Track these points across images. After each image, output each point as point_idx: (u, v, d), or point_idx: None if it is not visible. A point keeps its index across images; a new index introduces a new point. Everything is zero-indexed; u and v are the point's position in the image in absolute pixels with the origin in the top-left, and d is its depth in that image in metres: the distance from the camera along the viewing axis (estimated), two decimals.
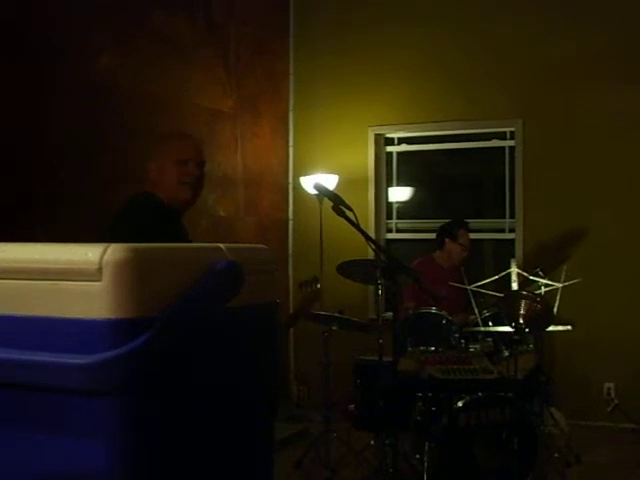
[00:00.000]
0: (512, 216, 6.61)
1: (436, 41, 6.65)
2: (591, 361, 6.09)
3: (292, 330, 7.02)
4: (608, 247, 6.12)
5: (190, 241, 2.92)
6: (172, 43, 5.62)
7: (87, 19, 4.80)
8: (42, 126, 4.45)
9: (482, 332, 4.82)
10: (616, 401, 6.04)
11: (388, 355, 4.15)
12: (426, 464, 4.16)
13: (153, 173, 2.97)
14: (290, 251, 7.14)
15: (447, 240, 5.70)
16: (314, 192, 4.44)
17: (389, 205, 7.11)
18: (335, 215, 3.55)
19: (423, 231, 6.88)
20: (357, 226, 3.53)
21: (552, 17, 6.34)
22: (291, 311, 4.79)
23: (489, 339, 4.79)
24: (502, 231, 6.73)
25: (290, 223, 7.16)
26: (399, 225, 7.10)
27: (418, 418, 4.40)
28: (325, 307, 5.40)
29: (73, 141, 4.62)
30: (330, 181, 6.32)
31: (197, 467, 1.68)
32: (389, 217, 7.10)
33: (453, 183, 7.23)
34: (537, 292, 4.82)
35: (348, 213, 3.51)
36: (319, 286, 3.49)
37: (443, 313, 4.87)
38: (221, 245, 1.78)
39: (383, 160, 7.05)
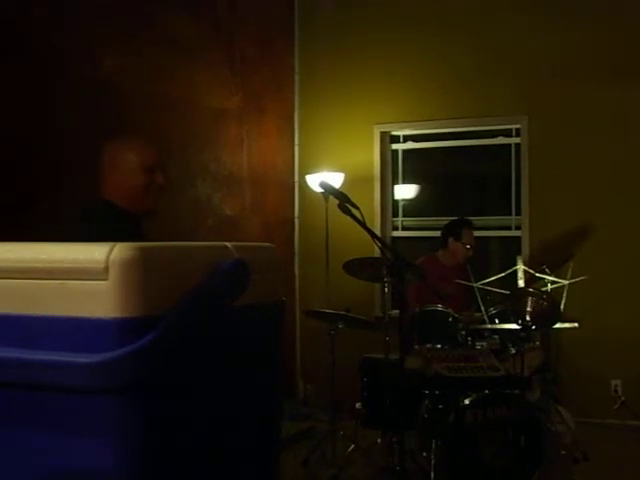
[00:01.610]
0: (518, 213, 6.60)
1: (441, 39, 6.64)
2: (598, 358, 6.08)
3: (298, 328, 7.04)
4: (615, 244, 6.11)
5: None
6: (177, 43, 5.62)
7: (90, 19, 4.80)
8: (43, 126, 4.45)
9: (488, 329, 4.82)
10: (623, 398, 6.02)
11: (394, 353, 4.15)
12: (433, 462, 4.16)
13: (115, 178, 2.80)
14: (296, 249, 7.14)
15: (451, 239, 5.68)
16: (320, 190, 4.44)
17: (395, 203, 7.11)
18: (341, 213, 3.55)
19: (429, 229, 6.87)
20: (363, 224, 3.53)
21: (558, 14, 6.32)
22: None
23: (495, 336, 4.79)
24: (508, 228, 6.72)
25: (296, 221, 7.16)
26: (405, 223, 7.09)
27: (425, 416, 4.39)
28: (331, 305, 5.41)
29: (75, 141, 4.62)
30: (336, 179, 6.32)
31: (202, 465, 1.69)
32: (395, 215, 7.10)
33: (459, 181, 7.22)
34: (543, 289, 4.82)
35: (354, 211, 3.51)
36: None
37: (449, 311, 4.86)
38: (227, 244, 1.78)
39: (389, 158, 7.05)
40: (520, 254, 6.05)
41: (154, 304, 1.54)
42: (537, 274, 5.03)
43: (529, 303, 4.42)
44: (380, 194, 6.91)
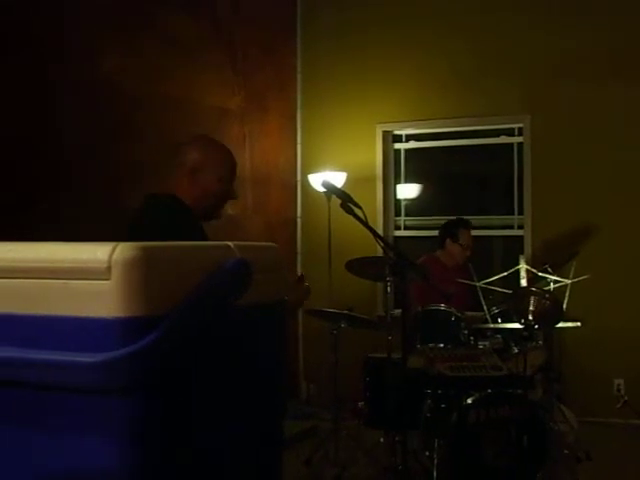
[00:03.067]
0: (521, 213, 6.60)
1: (443, 38, 6.64)
2: (600, 357, 6.08)
3: (301, 328, 7.04)
4: (617, 243, 6.11)
5: None
6: (177, 43, 5.62)
7: (90, 19, 4.80)
8: (43, 126, 4.45)
9: (491, 329, 4.81)
10: (625, 397, 6.02)
11: (397, 352, 4.15)
12: (436, 461, 4.16)
13: (198, 179, 2.86)
14: (299, 249, 7.14)
15: (448, 240, 5.66)
16: (322, 190, 4.45)
17: (397, 202, 7.10)
18: (343, 213, 3.55)
19: (431, 228, 6.85)
20: (365, 224, 3.53)
21: (560, 13, 6.32)
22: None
23: (498, 336, 4.78)
24: (511, 228, 6.72)
25: (298, 221, 7.16)
26: (407, 222, 7.09)
27: (427, 415, 4.39)
28: (334, 305, 5.41)
29: (75, 141, 4.63)
30: (338, 178, 6.32)
31: (205, 465, 1.68)
32: (397, 214, 7.10)
33: (461, 180, 7.22)
34: (546, 288, 4.81)
35: (356, 211, 3.50)
36: (307, 284, 3.36)
37: (452, 310, 4.86)
38: (230, 243, 1.78)
39: (391, 157, 7.05)
40: (522, 253, 6.04)
41: (157, 304, 1.53)
42: (540, 273, 5.02)
43: (532, 302, 4.41)
44: (382, 193, 6.90)
